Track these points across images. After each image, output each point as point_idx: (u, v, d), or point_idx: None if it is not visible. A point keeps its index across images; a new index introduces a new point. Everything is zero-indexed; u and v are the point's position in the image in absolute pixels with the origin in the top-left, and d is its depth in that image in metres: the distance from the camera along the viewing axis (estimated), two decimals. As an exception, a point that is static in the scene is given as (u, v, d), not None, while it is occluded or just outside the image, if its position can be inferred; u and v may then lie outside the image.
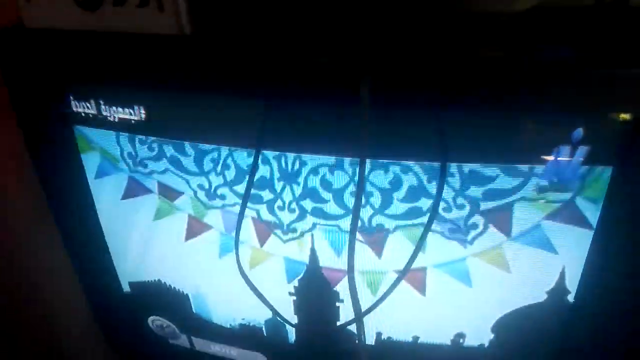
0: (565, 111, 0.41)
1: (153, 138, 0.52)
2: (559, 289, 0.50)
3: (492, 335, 0.55)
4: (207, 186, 0.54)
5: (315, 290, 0.57)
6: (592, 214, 0.46)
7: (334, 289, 0.56)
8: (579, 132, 0.42)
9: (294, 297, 0.58)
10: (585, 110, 0.41)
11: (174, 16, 0.42)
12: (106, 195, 0.60)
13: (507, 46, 0.36)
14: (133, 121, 0.51)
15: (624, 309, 0.48)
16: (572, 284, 0.50)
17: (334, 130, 0.46)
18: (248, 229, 0.55)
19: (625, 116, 0.40)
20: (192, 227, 0.58)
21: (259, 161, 0.49)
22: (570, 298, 0.50)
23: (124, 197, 0.59)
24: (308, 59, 0.42)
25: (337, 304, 0.57)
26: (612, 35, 0.33)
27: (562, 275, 0.50)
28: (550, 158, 0.44)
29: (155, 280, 0.65)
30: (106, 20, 0.44)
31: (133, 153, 0.55)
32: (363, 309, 0.49)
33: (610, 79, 0.37)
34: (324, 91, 0.43)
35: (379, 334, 0.58)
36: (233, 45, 0.42)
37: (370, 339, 0.59)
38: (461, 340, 0.57)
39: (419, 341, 0.58)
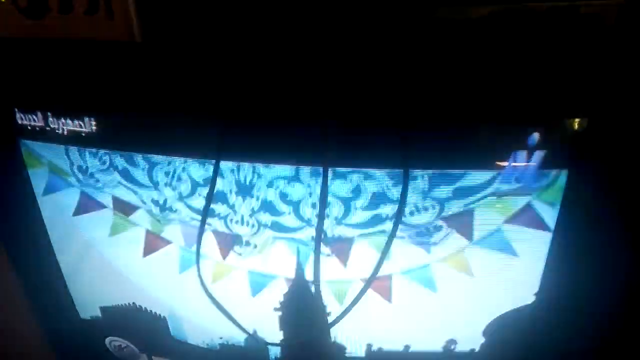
0: (520, 117, 0.42)
1: (104, 151, 0.50)
2: (521, 291, 0.51)
3: (463, 341, 0.56)
4: (161, 200, 0.52)
5: (301, 304, 0.55)
6: (550, 216, 0.47)
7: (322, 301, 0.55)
8: (534, 137, 0.43)
9: (280, 313, 0.56)
10: (539, 115, 0.42)
11: (124, 23, 0.40)
12: (56, 212, 0.57)
13: (463, 53, 0.37)
14: (83, 133, 0.49)
15: (584, 308, 0.49)
16: (533, 286, 0.51)
17: (295, 140, 0.46)
18: (209, 243, 0.54)
19: (577, 120, 0.41)
20: (150, 242, 0.56)
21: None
22: (532, 299, 0.51)
23: (76, 213, 0.56)
24: (266, 69, 0.41)
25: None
26: (564, 42, 0.34)
27: (524, 277, 0.50)
28: (508, 163, 0.45)
29: (113, 300, 0.62)
30: (52, 28, 0.42)
31: (84, 167, 0.52)
32: (333, 319, 0.49)
33: (563, 84, 0.38)
34: (283, 101, 0.42)
35: (369, 345, 0.57)
36: (187, 53, 0.41)
37: (360, 351, 0.58)
38: (449, 347, 0.56)
39: (396, 350, 0.57)
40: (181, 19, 0.40)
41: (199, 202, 0.51)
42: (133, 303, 0.61)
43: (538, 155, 0.44)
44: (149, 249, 0.56)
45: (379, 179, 0.47)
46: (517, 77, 0.38)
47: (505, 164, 0.44)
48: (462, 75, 0.38)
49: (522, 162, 0.44)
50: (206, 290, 0.51)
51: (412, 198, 0.47)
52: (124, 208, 0.54)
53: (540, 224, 0.48)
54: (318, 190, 0.46)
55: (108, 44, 0.41)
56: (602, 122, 0.40)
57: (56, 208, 0.56)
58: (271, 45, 0.40)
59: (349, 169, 0.47)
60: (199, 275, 0.51)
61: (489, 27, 0.35)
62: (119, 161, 0.51)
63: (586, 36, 0.34)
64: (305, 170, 0.47)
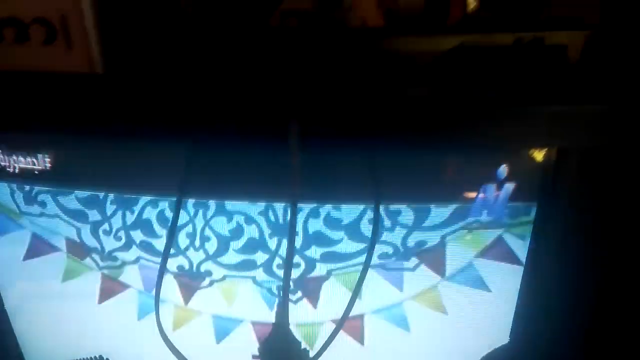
0: (489, 149, 0.43)
1: (58, 189, 0.48)
2: (497, 329, 0.50)
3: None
4: (117, 242, 0.49)
5: (271, 349, 0.52)
6: (521, 250, 0.47)
7: (303, 347, 0.52)
8: (503, 169, 0.43)
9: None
10: (507, 147, 0.42)
11: (84, 53, 0.39)
12: (5, 256, 0.53)
13: (433, 85, 0.37)
14: (36, 171, 0.46)
15: (557, 343, 0.48)
16: (506, 321, 0.50)
17: (262, 175, 0.44)
18: (170, 286, 0.51)
19: (545, 153, 0.42)
20: (107, 287, 0.52)
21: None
22: (506, 335, 0.50)
23: (27, 257, 0.52)
24: (232, 100, 0.40)
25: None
26: (531, 74, 0.35)
27: (498, 314, 0.49)
28: (477, 196, 0.45)
29: (71, 353, 0.57)
30: (7, 58, 0.40)
31: (36, 206, 0.49)
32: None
33: (531, 116, 0.38)
34: (250, 135, 0.41)
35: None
36: (150, 85, 0.40)
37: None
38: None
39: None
40: (145, 49, 0.39)
41: (158, 242, 0.49)
42: (99, 356, 0.56)
43: (507, 187, 0.44)
44: (105, 295, 0.53)
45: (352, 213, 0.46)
46: (486, 109, 0.38)
47: (475, 196, 0.44)
48: (432, 106, 0.38)
49: (491, 194, 0.44)
50: (165, 338, 0.48)
51: (384, 233, 0.46)
52: (78, 251, 0.51)
53: (512, 258, 0.47)
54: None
55: (66, 75, 0.39)
56: (570, 155, 0.41)
57: (5, 252, 0.53)
58: (232, 78, 0.39)
59: (318, 205, 0.46)
60: (158, 322, 0.48)
61: (457, 58, 0.35)
62: (73, 200, 0.48)
63: (552, 67, 0.35)
64: (274, 207, 0.46)
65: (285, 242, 0.43)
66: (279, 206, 0.46)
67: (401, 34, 0.36)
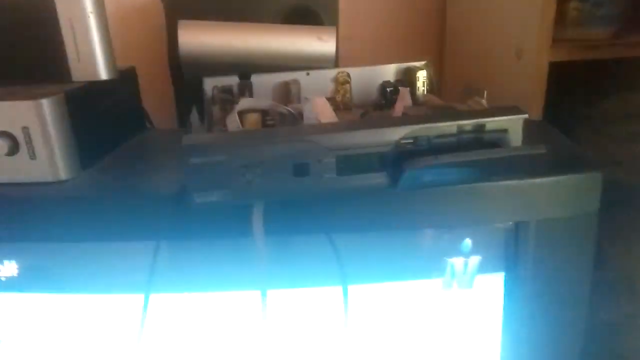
0: (454, 225, 0.44)
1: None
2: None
3: None
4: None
5: None
6: (496, 319, 0.47)
7: None
8: (468, 243, 0.44)
9: None
10: (471, 222, 0.43)
11: (48, 163, 0.39)
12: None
13: (390, 169, 0.38)
14: (3, 278, 0.45)
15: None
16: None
17: (229, 265, 0.44)
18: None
19: (507, 225, 0.44)
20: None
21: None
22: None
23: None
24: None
25: None
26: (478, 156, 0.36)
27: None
28: (446, 270, 0.45)
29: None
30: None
31: None
32: None
33: (490, 192, 0.40)
34: (215, 227, 0.41)
35: None
36: (112, 188, 0.40)
37: None
38: None
39: None
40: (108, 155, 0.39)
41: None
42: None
43: (474, 260, 0.45)
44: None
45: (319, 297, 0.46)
46: (445, 188, 0.40)
47: (445, 271, 0.45)
48: (392, 188, 0.39)
49: (460, 267, 0.45)
50: None
51: (356, 314, 0.46)
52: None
53: (487, 327, 0.47)
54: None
55: (29, 184, 0.39)
56: (526, 226, 0.42)
57: None
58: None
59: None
60: None
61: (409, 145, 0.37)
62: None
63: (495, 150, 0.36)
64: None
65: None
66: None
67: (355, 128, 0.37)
